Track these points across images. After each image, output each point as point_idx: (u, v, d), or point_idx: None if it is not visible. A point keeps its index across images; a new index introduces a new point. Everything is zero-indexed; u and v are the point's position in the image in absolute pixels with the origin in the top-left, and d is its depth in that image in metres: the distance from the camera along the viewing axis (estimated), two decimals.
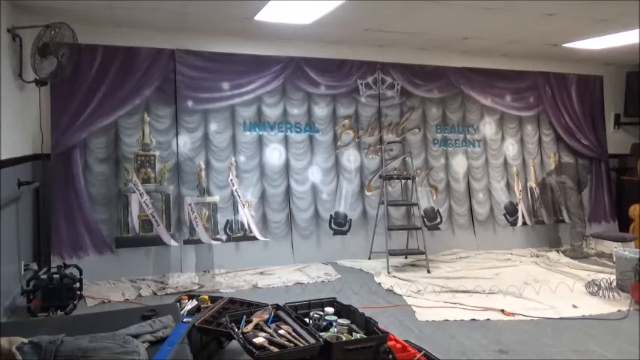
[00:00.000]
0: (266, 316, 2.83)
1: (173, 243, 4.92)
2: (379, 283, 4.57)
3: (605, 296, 4.18)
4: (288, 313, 2.89)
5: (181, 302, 3.27)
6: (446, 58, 6.04)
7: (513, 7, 4.15)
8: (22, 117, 4.27)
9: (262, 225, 5.27)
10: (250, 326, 2.71)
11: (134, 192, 4.87)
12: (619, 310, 3.91)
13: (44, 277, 3.72)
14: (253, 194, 5.26)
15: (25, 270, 4.04)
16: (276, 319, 2.86)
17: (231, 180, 5.18)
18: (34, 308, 3.61)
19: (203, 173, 5.10)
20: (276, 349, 2.47)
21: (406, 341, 2.86)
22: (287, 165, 5.41)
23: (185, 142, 5.06)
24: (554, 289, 4.35)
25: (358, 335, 2.73)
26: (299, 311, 2.96)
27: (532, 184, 6.42)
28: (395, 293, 4.32)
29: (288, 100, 5.45)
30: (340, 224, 5.56)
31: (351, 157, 5.68)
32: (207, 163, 5.12)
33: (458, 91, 6.14)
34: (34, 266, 4.13)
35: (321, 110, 5.58)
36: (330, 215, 5.53)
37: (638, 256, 4.11)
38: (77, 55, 4.28)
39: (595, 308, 3.96)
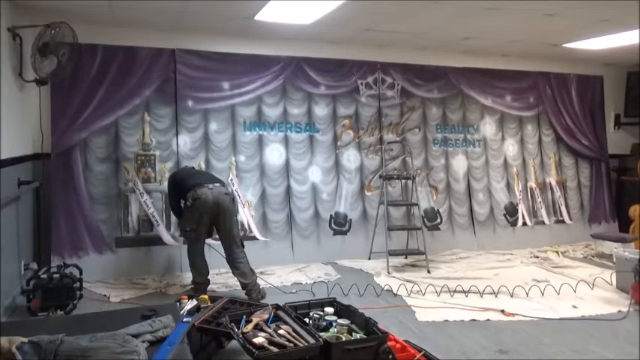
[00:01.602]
0: (266, 316, 2.83)
1: (173, 243, 4.92)
2: (379, 284, 4.57)
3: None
4: (287, 313, 2.90)
5: (181, 302, 3.27)
6: (446, 58, 6.04)
7: (513, 7, 4.15)
8: (22, 116, 4.27)
9: (262, 225, 5.26)
10: (250, 326, 2.71)
11: (134, 192, 4.87)
12: (619, 311, 3.91)
13: (44, 276, 3.72)
14: (253, 194, 5.26)
15: (25, 269, 4.05)
16: (276, 319, 2.86)
17: (231, 180, 5.18)
18: (34, 308, 3.61)
19: None
20: (275, 349, 2.47)
21: (406, 341, 2.86)
22: (287, 165, 5.41)
23: (185, 142, 5.06)
24: (554, 289, 4.34)
25: (358, 335, 2.72)
26: (299, 311, 2.96)
27: (532, 184, 6.42)
28: (395, 293, 4.32)
29: (288, 100, 5.45)
30: (340, 224, 5.56)
31: (351, 157, 5.68)
32: (208, 162, 5.12)
33: (458, 91, 6.14)
34: (34, 266, 4.13)
35: (321, 110, 5.58)
36: (330, 215, 5.53)
37: (638, 257, 4.10)
38: (77, 55, 4.29)
39: (595, 308, 3.96)
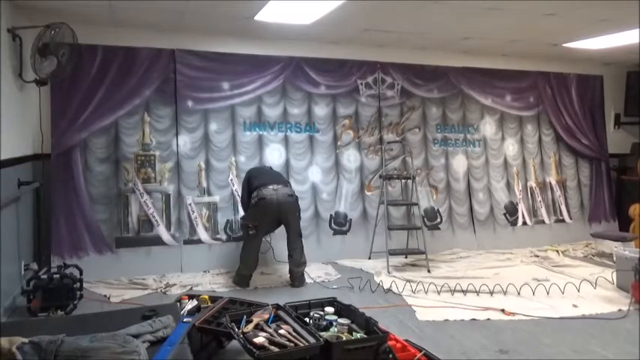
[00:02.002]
0: (266, 316, 2.83)
1: (173, 243, 4.92)
2: (379, 283, 4.57)
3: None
4: (288, 312, 2.90)
5: (181, 302, 3.27)
6: (446, 58, 6.04)
7: (513, 7, 4.15)
8: (22, 117, 4.27)
9: None
10: (250, 326, 2.71)
11: (134, 192, 4.86)
12: (619, 310, 3.91)
13: (44, 277, 3.72)
14: None
15: (25, 270, 4.04)
16: (277, 318, 2.86)
17: (232, 180, 5.18)
18: (34, 308, 3.61)
19: (203, 173, 5.11)
20: (276, 349, 2.47)
21: (406, 341, 2.86)
22: (287, 165, 5.41)
23: (185, 142, 5.06)
24: (554, 288, 4.35)
25: (358, 335, 2.72)
26: (299, 311, 2.96)
27: (532, 183, 6.42)
28: (395, 293, 4.32)
29: (288, 99, 5.45)
30: (340, 224, 5.56)
31: (351, 157, 5.68)
32: (208, 163, 5.13)
33: (458, 90, 6.14)
34: (34, 266, 4.13)
35: (321, 110, 5.57)
36: (330, 215, 5.53)
37: (638, 256, 4.11)
38: (77, 55, 4.28)
39: (595, 308, 3.96)
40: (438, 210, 5.94)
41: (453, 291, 4.30)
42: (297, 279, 4.51)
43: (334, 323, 2.82)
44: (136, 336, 2.05)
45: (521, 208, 6.30)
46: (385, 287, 4.43)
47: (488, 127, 6.29)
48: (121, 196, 4.83)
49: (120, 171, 4.84)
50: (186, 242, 4.98)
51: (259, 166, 5.12)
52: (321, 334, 2.64)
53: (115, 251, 4.75)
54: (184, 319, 2.53)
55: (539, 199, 6.41)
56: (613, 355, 3.14)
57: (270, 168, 5.02)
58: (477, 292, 4.27)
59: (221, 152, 5.18)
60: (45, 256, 4.54)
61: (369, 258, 5.37)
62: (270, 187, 4.35)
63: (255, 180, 4.51)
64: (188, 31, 5.02)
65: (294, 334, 2.64)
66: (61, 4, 4.08)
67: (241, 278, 4.45)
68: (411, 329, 3.51)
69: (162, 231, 4.91)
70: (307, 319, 2.84)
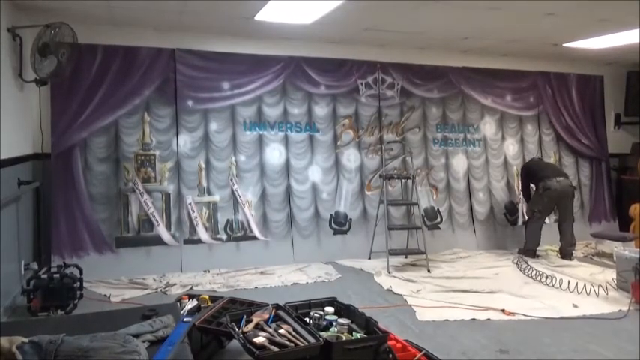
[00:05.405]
0: (266, 316, 2.83)
1: (173, 243, 4.93)
2: (379, 283, 4.57)
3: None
4: (288, 312, 2.89)
5: (181, 302, 3.27)
6: (446, 58, 6.04)
7: (513, 7, 4.15)
8: (23, 116, 4.27)
9: (262, 224, 5.26)
10: (250, 326, 2.71)
11: (134, 192, 4.87)
12: (619, 310, 3.91)
13: (44, 276, 3.71)
14: (253, 194, 5.26)
15: (25, 269, 4.05)
16: (277, 318, 2.86)
17: (232, 179, 5.18)
18: (35, 308, 3.61)
19: (203, 173, 5.11)
20: (276, 349, 2.47)
21: (406, 341, 2.86)
22: (287, 164, 5.41)
23: (185, 142, 5.06)
24: (554, 288, 4.34)
25: (358, 335, 2.72)
26: (299, 311, 2.96)
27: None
28: (395, 293, 4.32)
29: (288, 99, 5.45)
30: (340, 224, 5.56)
31: (351, 157, 5.68)
32: (208, 162, 5.13)
33: (458, 90, 6.14)
34: (35, 266, 4.13)
35: (321, 110, 5.57)
36: (331, 215, 5.53)
37: (638, 256, 4.11)
38: (77, 55, 4.29)
39: (595, 307, 3.96)
40: (438, 210, 5.94)
41: (453, 291, 4.30)
42: (566, 254, 5.47)
43: (334, 323, 2.82)
44: (136, 335, 2.05)
45: (521, 207, 6.29)
46: (385, 287, 4.43)
47: (488, 127, 6.28)
48: (121, 196, 4.83)
49: (120, 171, 4.84)
50: (186, 242, 4.98)
51: (535, 160, 6.06)
52: (321, 333, 2.64)
53: (115, 251, 4.75)
54: (184, 319, 2.52)
55: None
56: (613, 355, 3.14)
57: (544, 161, 6.15)
58: (478, 292, 4.27)
59: (221, 152, 5.18)
60: (45, 255, 4.54)
61: (369, 258, 5.37)
62: (554, 179, 5.34)
63: (539, 173, 5.53)
64: (188, 31, 5.02)
65: (294, 333, 2.64)
66: (61, 3, 4.08)
67: (527, 252, 5.50)
68: (411, 329, 3.51)
69: (162, 231, 4.91)
70: (307, 319, 2.84)
